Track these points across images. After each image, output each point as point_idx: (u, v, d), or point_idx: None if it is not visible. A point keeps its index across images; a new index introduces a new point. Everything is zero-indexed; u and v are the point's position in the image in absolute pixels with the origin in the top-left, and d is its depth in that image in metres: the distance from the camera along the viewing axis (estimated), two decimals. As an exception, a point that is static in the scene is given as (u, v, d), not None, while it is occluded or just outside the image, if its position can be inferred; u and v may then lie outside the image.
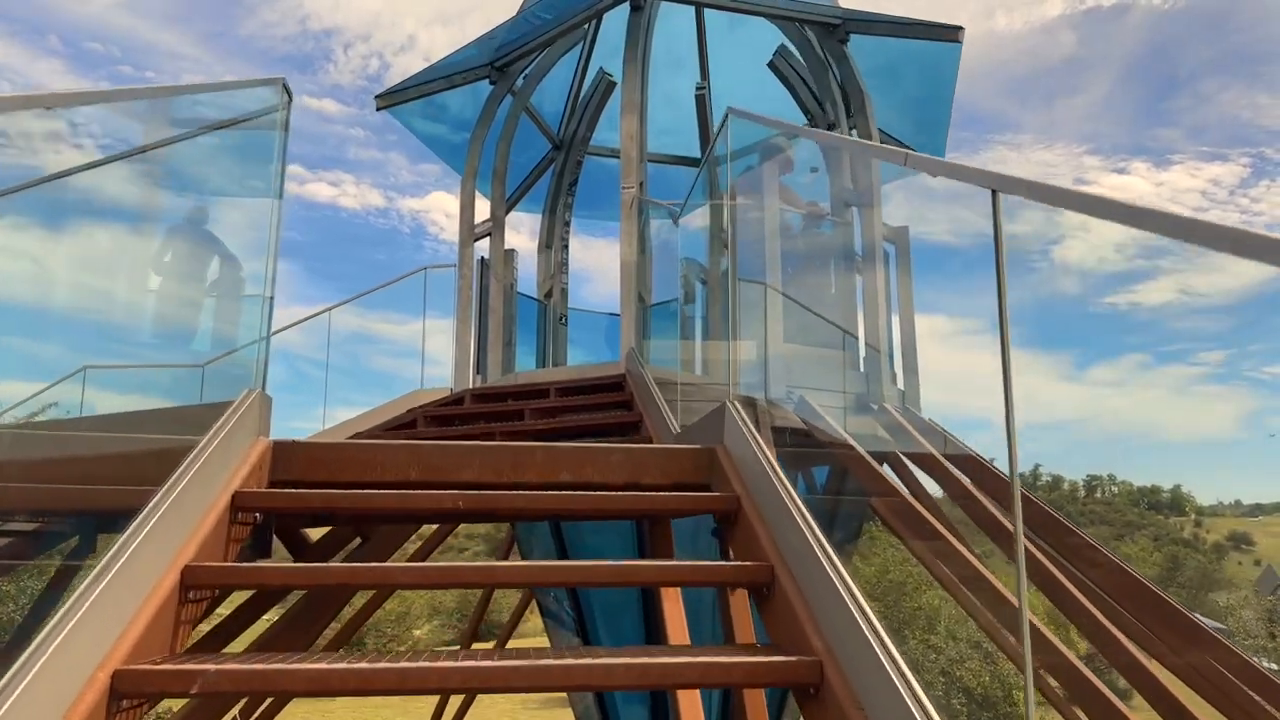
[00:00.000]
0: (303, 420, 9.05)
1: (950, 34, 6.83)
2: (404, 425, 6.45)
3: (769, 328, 6.24)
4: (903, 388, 7.04)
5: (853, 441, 6.01)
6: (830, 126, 7.48)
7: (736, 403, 3.37)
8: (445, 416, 6.11)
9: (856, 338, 7.04)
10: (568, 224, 9.62)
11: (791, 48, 8.57)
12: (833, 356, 6.88)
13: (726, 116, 3.95)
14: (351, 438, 7.21)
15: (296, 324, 8.11)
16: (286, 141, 3.56)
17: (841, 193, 7.32)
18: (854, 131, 7.25)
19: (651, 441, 4.79)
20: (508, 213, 8.81)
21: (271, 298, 3.49)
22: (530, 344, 9.08)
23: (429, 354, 8.05)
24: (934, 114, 8.32)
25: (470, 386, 7.53)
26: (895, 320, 7.10)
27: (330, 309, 7.98)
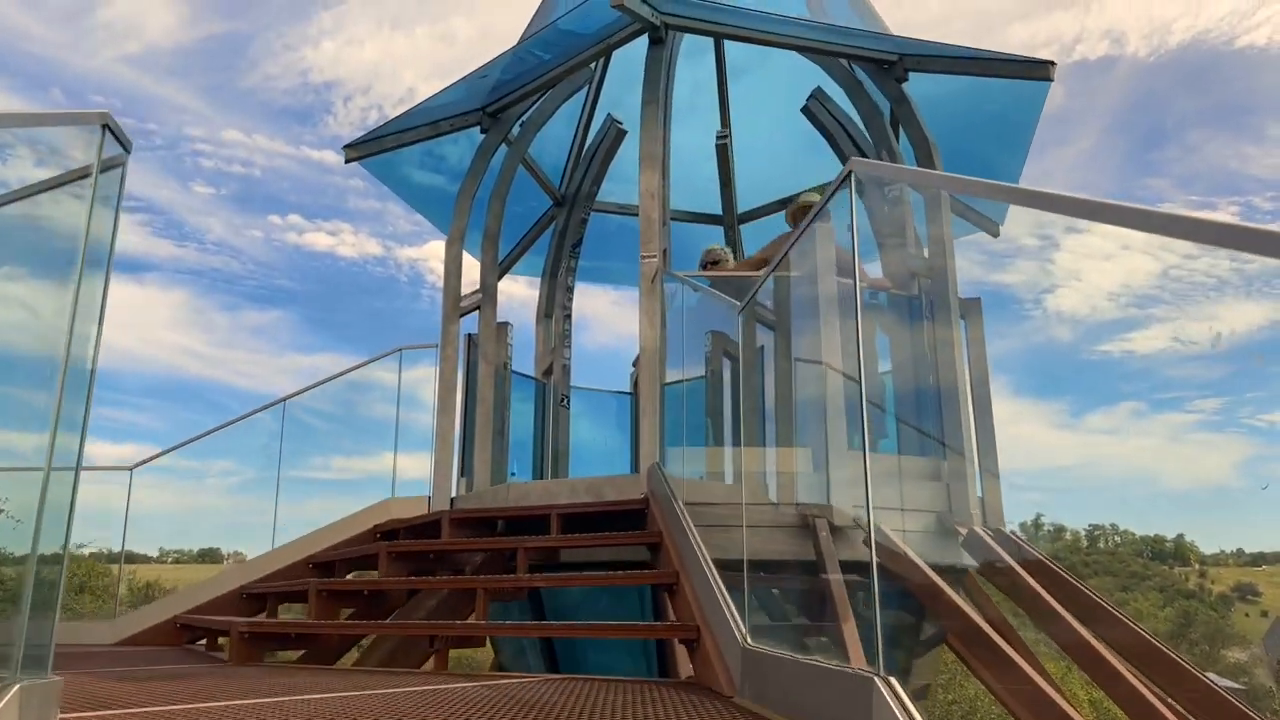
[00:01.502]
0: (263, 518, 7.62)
1: (1038, 71, 5.63)
2: (364, 559, 5.09)
3: (830, 425, 4.93)
4: (981, 494, 5.72)
5: (949, 590, 4.67)
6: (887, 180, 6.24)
7: (892, 682, 2.01)
8: (415, 553, 4.74)
9: (939, 439, 5.74)
10: (570, 290, 8.35)
11: (834, 86, 7.39)
12: (906, 464, 5.55)
13: (849, 173, 2.66)
14: (308, 559, 5.84)
15: (243, 417, 6.74)
16: (117, 219, 2.24)
17: (905, 261, 6.05)
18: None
19: (698, 627, 3.43)
20: (501, 278, 7.53)
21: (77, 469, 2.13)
22: (526, 432, 7.74)
23: (412, 433, 6.61)
24: (1003, 166, 7.11)
25: (453, 495, 6.17)
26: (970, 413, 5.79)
27: (286, 399, 6.64)
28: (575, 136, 8.41)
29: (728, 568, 4.43)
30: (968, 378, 5.67)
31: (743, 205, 8.87)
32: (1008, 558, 5.21)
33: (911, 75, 6.24)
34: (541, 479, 7.86)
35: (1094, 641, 4.97)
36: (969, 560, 5.41)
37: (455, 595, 4.47)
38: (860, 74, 6.70)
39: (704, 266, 6.44)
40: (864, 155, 7.67)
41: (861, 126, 7.76)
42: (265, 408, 6.70)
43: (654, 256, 5.18)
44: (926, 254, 5.87)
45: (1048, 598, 4.98)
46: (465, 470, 6.54)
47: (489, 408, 6.42)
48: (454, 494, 6.21)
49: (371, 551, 5.00)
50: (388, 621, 4.46)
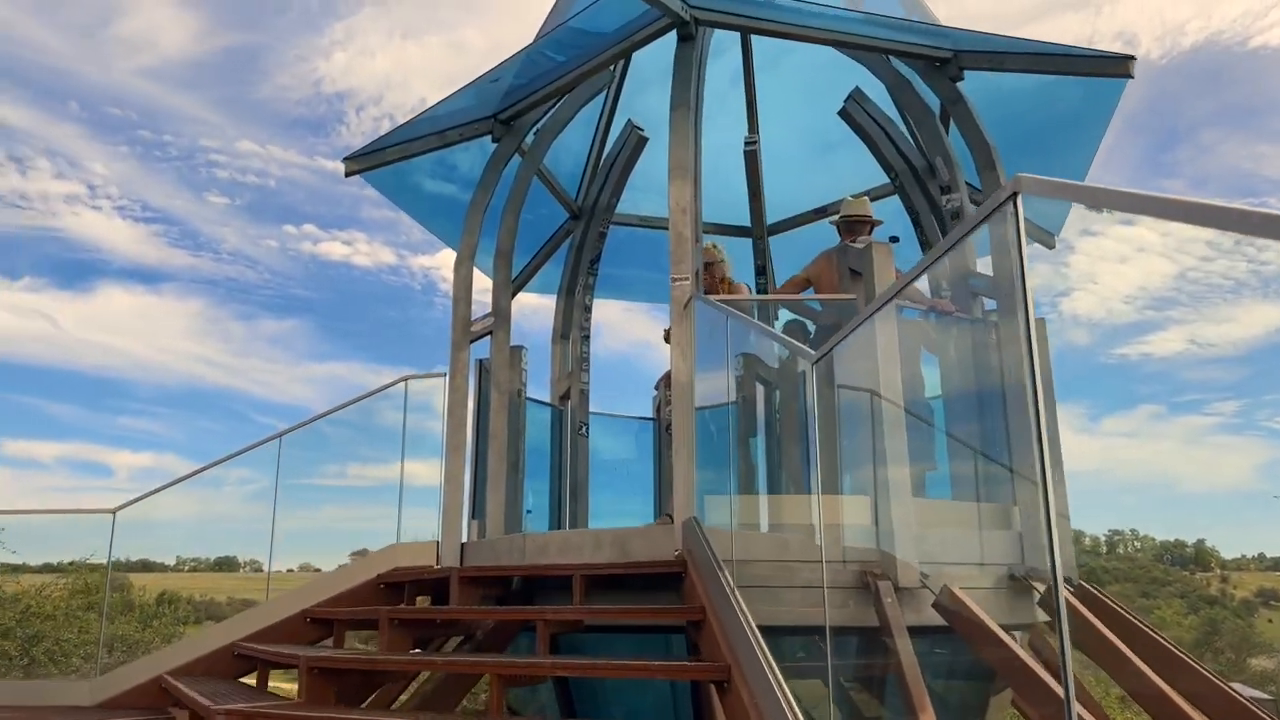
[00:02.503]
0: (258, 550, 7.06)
1: (1116, 67, 5.02)
2: (365, 623, 4.52)
3: (891, 468, 4.34)
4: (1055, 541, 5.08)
5: (1033, 664, 4.05)
6: (944, 190, 5.64)
7: None
8: (420, 621, 4.16)
9: (1005, 468, 5.13)
10: (588, 309, 7.77)
11: (855, 80, 6.80)
12: (971, 510, 4.94)
13: (1015, 195, 2.07)
14: (306, 614, 5.28)
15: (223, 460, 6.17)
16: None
17: (966, 278, 5.44)
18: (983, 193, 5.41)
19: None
20: (514, 296, 6.97)
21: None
22: (542, 462, 7.17)
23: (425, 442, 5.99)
24: (1065, 172, 6.49)
25: (464, 541, 5.59)
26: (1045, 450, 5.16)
27: (281, 434, 6.08)
28: (593, 144, 7.84)
29: (773, 634, 3.84)
30: (1041, 409, 5.05)
31: (772, 216, 8.28)
32: (1092, 617, 4.59)
33: (966, 73, 5.65)
34: (559, 512, 7.28)
35: (1174, 695, 4.36)
36: (1043, 618, 4.80)
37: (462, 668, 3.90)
38: (902, 69, 6.10)
39: (708, 268, 5.76)
40: (907, 161, 7.07)
41: (904, 129, 7.17)
42: (260, 444, 6.15)
43: (686, 279, 4.59)
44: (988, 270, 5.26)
45: (1127, 652, 4.37)
46: (477, 512, 5.97)
47: (502, 443, 5.85)
48: (465, 538, 5.63)
49: (373, 617, 4.42)
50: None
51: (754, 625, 3.41)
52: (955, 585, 4.28)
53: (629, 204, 7.94)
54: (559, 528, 7.23)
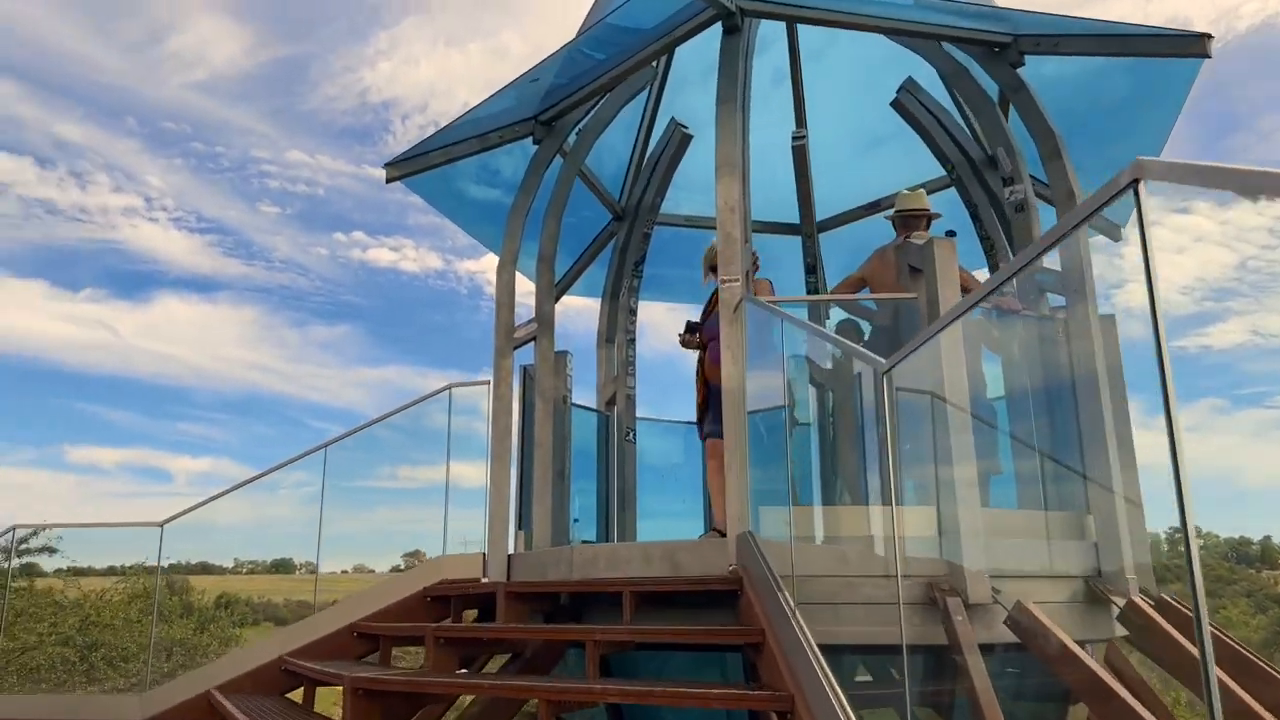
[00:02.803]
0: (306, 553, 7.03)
1: (1192, 46, 4.70)
2: (409, 639, 4.40)
3: (957, 475, 4.09)
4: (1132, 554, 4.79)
5: (1114, 684, 3.79)
6: (1007, 181, 5.36)
7: None
8: (466, 639, 4.02)
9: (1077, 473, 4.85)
10: (633, 312, 7.60)
11: (930, 76, 6.53)
12: (1045, 520, 4.66)
13: (1136, 181, 1.85)
14: (353, 628, 5.19)
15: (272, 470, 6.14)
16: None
17: (1032, 273, 5.15)
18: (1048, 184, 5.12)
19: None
20: (557, 300, 6.83)
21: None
22: (589, 472, 7.02)
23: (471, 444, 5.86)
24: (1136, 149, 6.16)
25: (510, 553, 5.46)
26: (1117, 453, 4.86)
27: (327, 444, 6.02)
28: (636, 144, 7.68)
29: (832, 653, 3.63)
30: (1110, 410, 4.76)
31: (822, 213, 8.03)
32: (1175, 633, 4.29)
33: (1027, 58, 5.36)
34: (607, 520, 7.12)
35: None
36: (1121, 633, 4.51)
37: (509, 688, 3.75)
38: (958, 55, 5.82)
39: (713, 269, 5.43)
40: (964, 152, 6.78)
41: (960, 119, 6.88)
42: (306, 454, 6.10)
43: (736, 280, 4.40)
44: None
45: (1218, 672, 4.07)
46: (523, 522, 5.83)
47: (548, 451, 5.70)
48: (511, 550, 5.50)
49: (419, 634, 4.30)
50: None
51: (815, 648, 3.20)
52: (1028, 599, 4.03)
53: (673, 203, 7.75)
54: (607, 536, 7.08)
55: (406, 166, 6.05)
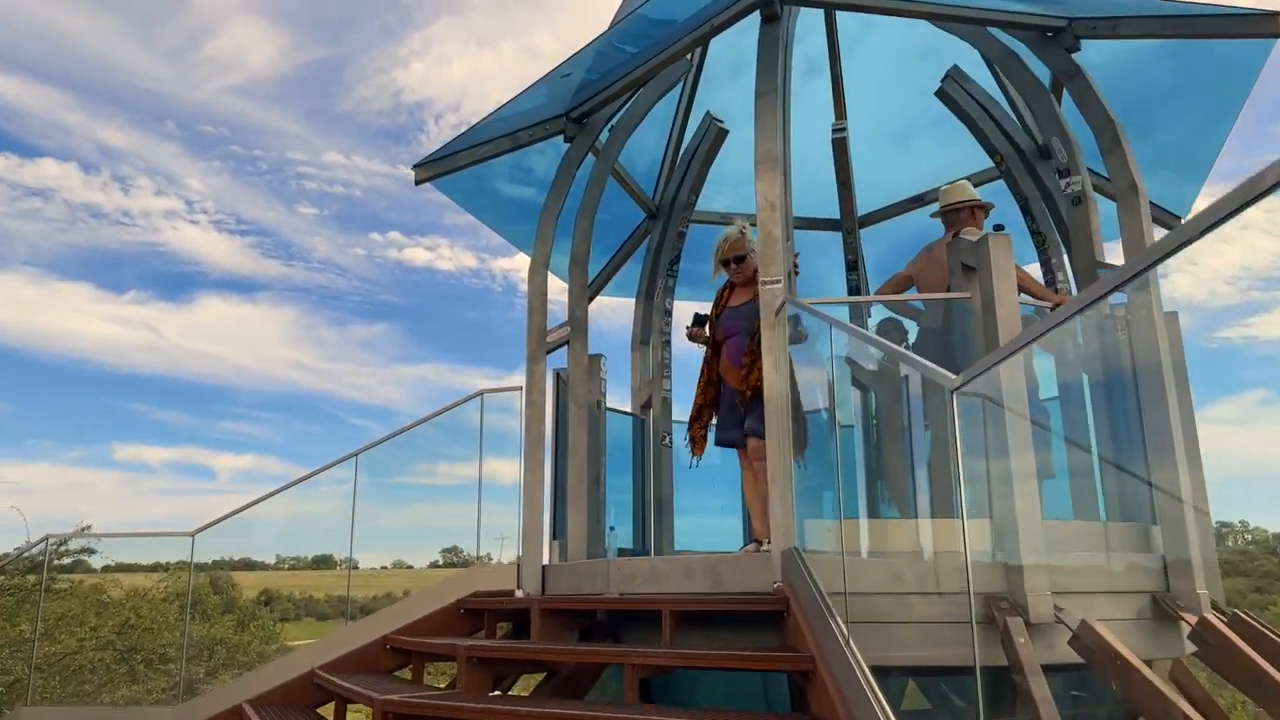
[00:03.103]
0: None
1: (1262, 26, 4.40)
2: (441, 656, 4.26)
3: (1016, 485, 3.85)
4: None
5: (1188, 709, 3.53)
6: (1062, 173, 5.08)
7: None
8: (500, 659, 3.87)
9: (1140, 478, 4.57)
10: (668, 313, 7.41)
11: (974, 64, 6.27)
12: (1108, 531, 4.40)
13: None
14: (386, 641, 5.07)
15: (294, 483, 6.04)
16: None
17: (1090, 267, 4.89)
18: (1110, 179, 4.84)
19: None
20: (590, 301, 6.66)
21: None
22: (624, 478, 6.85)
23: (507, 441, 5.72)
24: (1196, 147, 5.85)
25: (544, 564, 5.30)
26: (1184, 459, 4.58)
27: (357, 453, 5.91)
28: (670, 139, 7.48)
29: (882, 675, 3.42)
30: (1177, 413, 4.48)
31: (863, 207, 7.77)
32: (1253, 653, 4.01)
33: (1083, 42, 5.08)
34: (643, 527, 6.95)
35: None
36: (1191, 650, 4.24)
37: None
38: (1006, 40, 5.54)
39: (726, 264, 5.01)
40: (1012, 141, 6.50)
41: (1008, 108, 6.60)
42: (335, 464, 6.00)
43: (777, 281, 4.19)
44: (1119, 260, 4.69)
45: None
46: (558, 531, 5.68)
47: (582, 460, 5.54)
48: (546, 561, 5.34)
49: (451, 653, 4.16)
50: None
51: (869, 675, 3.00)
52: (1092, 618, 3.79)
53: (708, 200, 7.54)
54: (643, 544, 6.90)
55: (436, 168, 5.91)
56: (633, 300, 7.58)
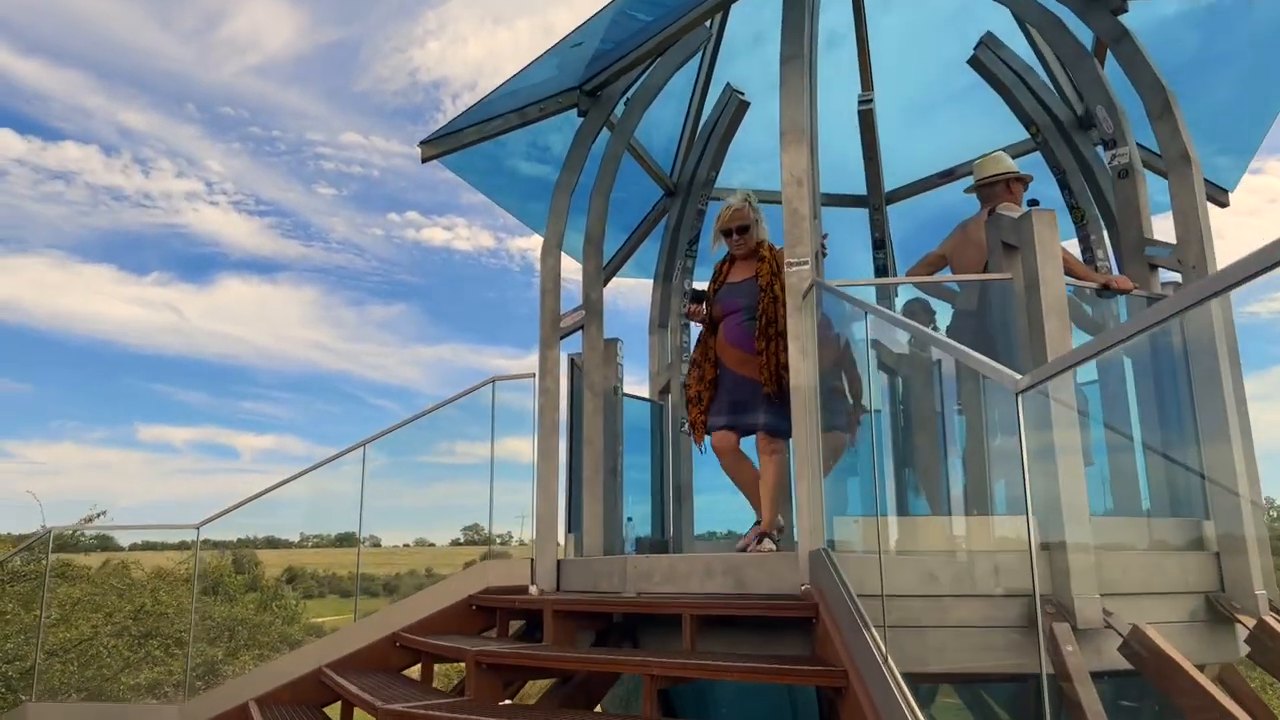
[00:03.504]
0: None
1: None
2: (450, 658, 4.06)
3: (1062, 480, 3.58)
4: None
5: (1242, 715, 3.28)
6: (1107, 144, 4.76)
7: None
8: (511, 665, 3.65)
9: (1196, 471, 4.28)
10: (688, 294, 7.13)
11: (1008, 28, 5.92)
12: (1157, 528, 4.12)
13: None
14: (395, 639, 4.89)
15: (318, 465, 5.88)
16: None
17: (1138, 245, 4.58)
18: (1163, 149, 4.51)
19: None
20: (606, 283, 6.41)
21: None
22: (642, 467, 6.63)
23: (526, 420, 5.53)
24: (1246, 114, 5.50)
25: (559, 559, 5.09)
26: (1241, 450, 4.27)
27: (364, 443, 5.71)
28: (688, 113, 7.18)
29: (915, 682, 3.18)
30: (1233, 401, 4.18)
31: (890, 182, 7.45)
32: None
33: (1130, 4, 4.73)
34: (662, 517, 6.73)
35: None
36: (1245, 652, 3.97)
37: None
38: (1047, 3, 5.20)
39: (727, 234, 4.74)
40: (1049, 111, 6.16)
41: (1044, 76, 6.25)
42: (343, 453, 5.81)
43: (804, 263, 3.91)
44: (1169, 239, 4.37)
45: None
46: (573, 524, 5.46)
47: (598, 449, 5.30)
48: (561, 556, 5.13)
49: (459, 657, 3.95)
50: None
51: (906, 691, 2.76)
52: (1144, 622, 3.52)
53: (728, 176, 7.24)
54: (662, 532, 6.69)
55: (442, 145, 5.66)
56: (650, 281, 7.32)
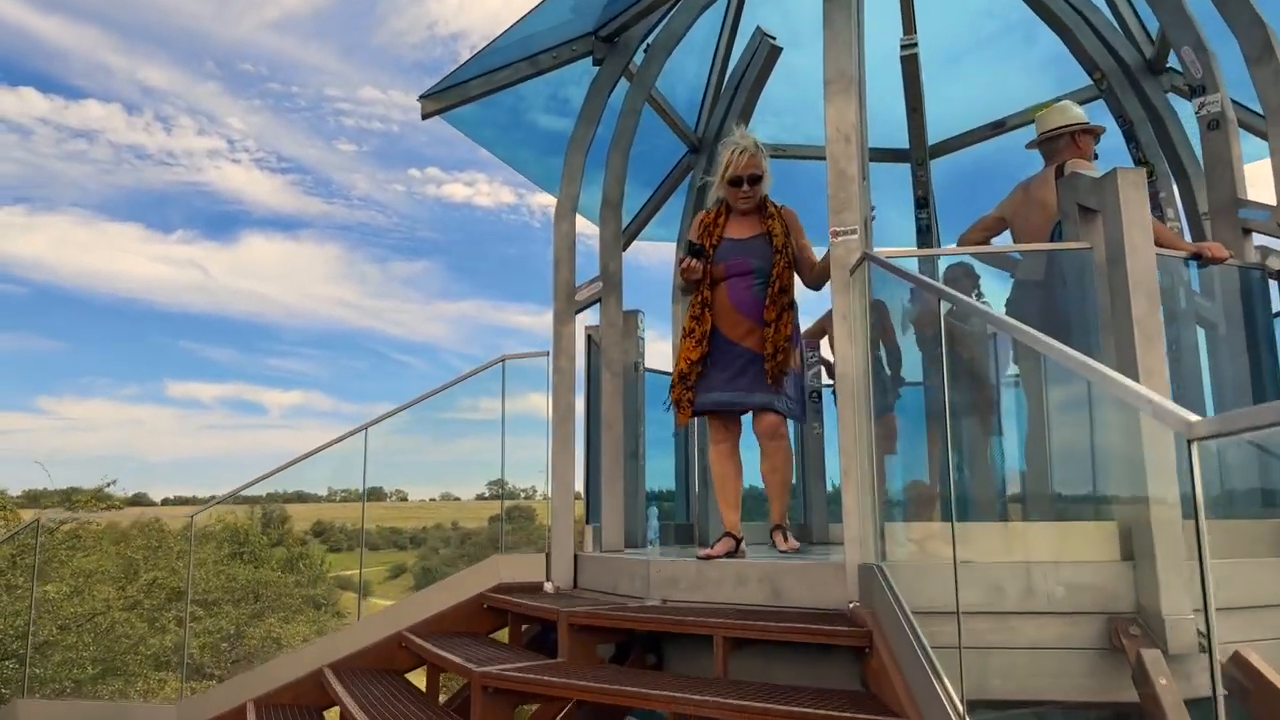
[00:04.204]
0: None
1: None
2: (453, 672, 3.66)
3: (1151, 483, 3.10)
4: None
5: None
6: (1194, 90, 4.18)
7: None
8: (520, 691, 3.25)
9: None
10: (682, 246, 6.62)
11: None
12: (1258, 532, 3.64)
13: None
14: (402, 640, 4.53)
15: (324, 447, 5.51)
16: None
17: (1229, 206, 4.02)
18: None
19: None
20: (624, 249, 5.92)
21: None
22: (665, 447, 6.19)
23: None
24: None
25: (576, 554, 4.69)
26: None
27: (366, 427, 5.32)
28: (714, 61, 6.60)
29: (978, 709, 2.77)
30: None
31: (934, 135, 6.86)
32: None
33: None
34: (686, 502, 6.31)
35: None
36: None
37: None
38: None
39: (737, 183, 4.02)
40: (1115, 54, 5.55)
41: (1109, 15, 5.63)
42: (346, 436, 5.44)
43: (851, 232, 3.40)
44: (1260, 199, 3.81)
45: None
46: (591, 513, 5.05)
47: (618, 434, 4.86)
48: (577, 550, 4.73)
49: (465, 677, 3.56)
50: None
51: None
52: (1243, 645, 3.06)
53: (758, 131, 6.67)
54: (686, 515, 6.28)
55: (445, 99, 5.16)
56: (673, 245, 6.82)
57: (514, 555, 4.82)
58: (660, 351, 6.61)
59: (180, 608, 11.29)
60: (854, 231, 3.39)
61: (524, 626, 4.52)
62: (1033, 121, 5.07)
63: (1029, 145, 4.55)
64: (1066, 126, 4.29)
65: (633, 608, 3.66)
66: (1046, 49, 5.99)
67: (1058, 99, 6.32)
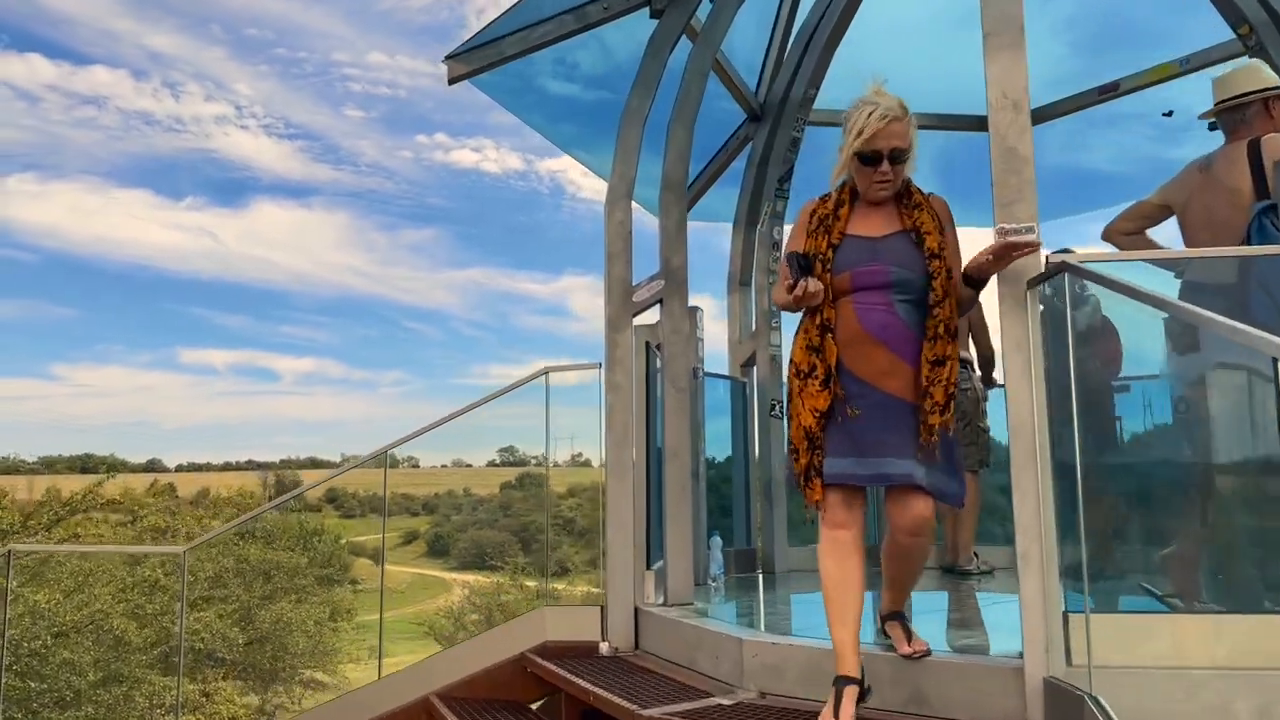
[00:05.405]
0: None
1: None
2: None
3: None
4: None
5: None
6: None
7: None
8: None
9: None
10: (777, 245, 5.80)
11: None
12: None
13: None
14: (427, 707, 3.80)
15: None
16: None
17: None
18: None
19: None
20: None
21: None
22: (721, 449, 5.43)
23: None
24: None
25: (636, 605, 3.92)
26: None
27: (388, 448, 4.57)
28: (778, 15, 5.72)
29: None
30: None
31: (1033, 100, 5.96)
32: None
33: None
34: (748, 526, 5.56)
35: None
36: None
37: None
38: None
39: (874, 159, 2.69)
40: (1268, 7, 4.67)
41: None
42: (368, 460, 4.70)
43: (1029, 231, 2.56)
44: None
45: None
46: (652, 551, 4.26)
47: (684, 463, 4.07)
48: (637, 601, 3.97)
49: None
50: None
51: None
52: None
53: (829, 98, 5.80)
54: (748, 541, 5.53)
55: (475, 59, 4.31)
56: (729, 228, 5.99)
57: (562, 609, 4.06)
58: (714, 350, 5.82)
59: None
60: (1031, 230, 2.56)
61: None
62: (1154, 84, 4.23)
63: (1202, 115, 3.69)
64: (1260, 92, 3.43)
65: (728, 707, 2.89)
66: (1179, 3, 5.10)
67: (1184, 59, 5.47)
